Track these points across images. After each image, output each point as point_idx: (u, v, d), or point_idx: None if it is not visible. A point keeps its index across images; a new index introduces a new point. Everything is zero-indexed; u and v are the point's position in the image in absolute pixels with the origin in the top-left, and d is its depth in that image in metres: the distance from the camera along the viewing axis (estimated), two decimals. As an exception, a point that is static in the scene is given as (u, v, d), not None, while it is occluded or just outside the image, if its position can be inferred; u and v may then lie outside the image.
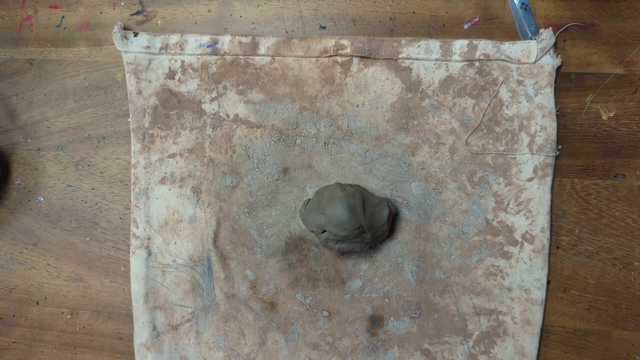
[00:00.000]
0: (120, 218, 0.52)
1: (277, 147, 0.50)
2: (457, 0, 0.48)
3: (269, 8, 0.51)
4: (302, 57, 0.49)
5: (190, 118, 0.51)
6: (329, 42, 0.49)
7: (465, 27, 0.48)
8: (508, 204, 0.48)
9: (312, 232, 0.48)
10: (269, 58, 0.50)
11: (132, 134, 0.51)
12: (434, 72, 0.48)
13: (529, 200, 0.47)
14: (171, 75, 0.50)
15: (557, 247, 0.48)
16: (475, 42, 0.47)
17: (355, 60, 0.49)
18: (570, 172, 0.47)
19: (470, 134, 0.48)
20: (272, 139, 0.50)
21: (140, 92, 0.51)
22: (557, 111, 0.47)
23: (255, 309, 0.50)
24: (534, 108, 0.47)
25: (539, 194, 0.47)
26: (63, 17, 0.53)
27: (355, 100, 0.49)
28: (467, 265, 0.48)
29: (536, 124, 0.47)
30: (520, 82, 0.47)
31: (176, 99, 0.51)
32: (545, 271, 0.47)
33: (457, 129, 0.48)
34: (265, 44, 0.50)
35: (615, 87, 0.46)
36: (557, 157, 0.47)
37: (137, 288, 0.51)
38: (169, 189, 0.51)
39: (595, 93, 0.47)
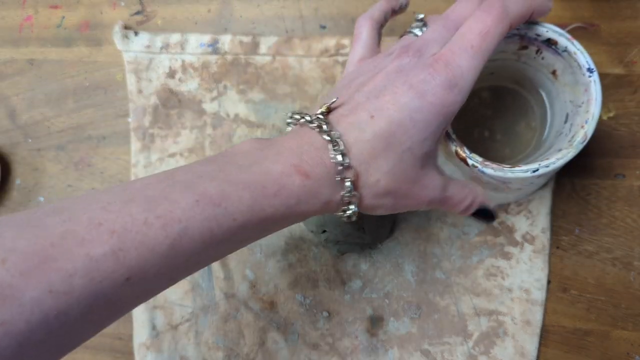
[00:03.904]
0: (120, 218, 0.52)
1: (278, 147, 0.50)
2: (457, 1, 0.48)
3: (269, 8, 0.51)
4: (303, 56, 0.49)
5: (191, 117, 0.51)
6: (330, 42, 0.49)
7: (466, 27, 0.48)
8: (508, 204, 0.47)
9: (312, 232, 0.48)
10: (269, 57, 0.50)
11: (132, 133, 0.51)
12: (434, 72, 0.48)
13: (529, 200, 0.47)
14: (172, 74, 0.51)
15: (557, 247, 0.48)
16: (475, 42, 0.47)
17: (356, 60, 0.49)
18: (570, 172, 0.47)
19: (470, 134, 0.48)
20: (273, 138, 0.50)
21: (140, 92, 0.51)
22: (557, 111, 0.47)
23: (255, 309, 0.50)
24: (534, 108, 0.47)
25: (539, 194, 0.47)
26: (64, 17, 0.53)
27: (356, 100, 0.49)
28: (468, 266, 0.48)
29: (536, 124, 0.47)
30: (520, 82, 0.47)
31: (176, 99, 0.51)
32: (546, 271, 0.47)
33: (457, 129, 0.48)
34: (266, 44, 0.50)
35: (615, 87, 0.47)
36: (557, 157, 0.47)
37: (136, 288, 0.51)
38: (169, 189, 0.51)
39: (595, 93, 0.47)
